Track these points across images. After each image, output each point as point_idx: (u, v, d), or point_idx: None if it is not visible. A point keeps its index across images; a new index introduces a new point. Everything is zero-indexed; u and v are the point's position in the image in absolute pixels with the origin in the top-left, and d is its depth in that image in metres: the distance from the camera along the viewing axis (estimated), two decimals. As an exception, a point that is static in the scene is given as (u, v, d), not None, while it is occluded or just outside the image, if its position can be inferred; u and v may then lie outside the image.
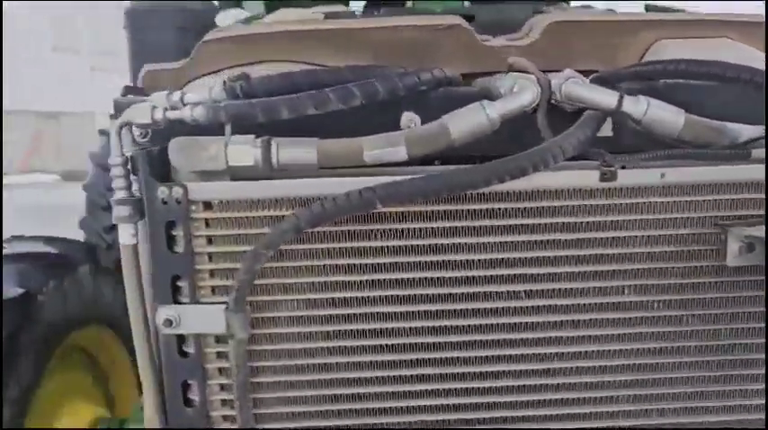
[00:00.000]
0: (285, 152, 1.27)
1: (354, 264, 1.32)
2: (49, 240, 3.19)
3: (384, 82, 1.32)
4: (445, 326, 1.36)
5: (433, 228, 1.32)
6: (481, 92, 1.41)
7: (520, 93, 1.32)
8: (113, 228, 4.48)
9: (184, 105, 1.30)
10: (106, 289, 2.74)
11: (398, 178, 1.24)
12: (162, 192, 1.27)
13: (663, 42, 1.64)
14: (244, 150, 1.27)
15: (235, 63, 1.62)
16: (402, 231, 1.32)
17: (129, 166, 1.30)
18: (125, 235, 1.31)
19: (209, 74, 1.63)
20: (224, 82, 1.32)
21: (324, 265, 1.31)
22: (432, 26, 1.62)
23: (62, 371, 2.50)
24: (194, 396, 1.35)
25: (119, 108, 1.36)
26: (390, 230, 1.31)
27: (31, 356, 2.25)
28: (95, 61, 14.98)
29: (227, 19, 2.92)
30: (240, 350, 1.30)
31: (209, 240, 1.30)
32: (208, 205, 1.29)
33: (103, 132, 4.66)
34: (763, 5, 1.78)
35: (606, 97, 1.31)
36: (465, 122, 1.29)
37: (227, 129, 1.28)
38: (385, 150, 1.28)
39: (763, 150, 1.31)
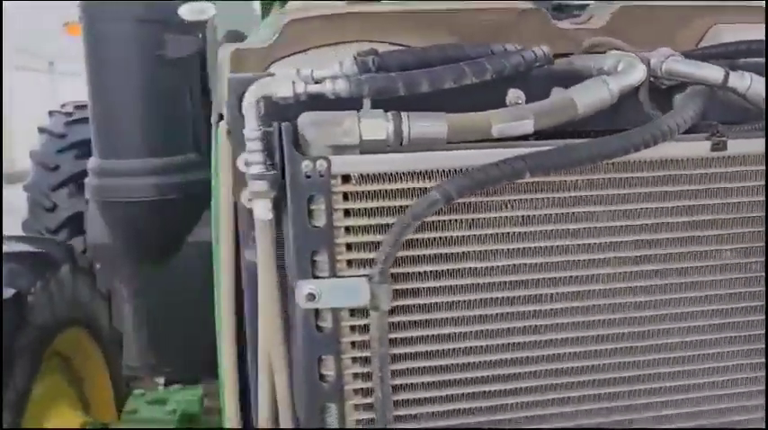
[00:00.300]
0: (417, 126, 1.29)
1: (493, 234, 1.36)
2: (27, 239, 3.04)
3: (509, 58, 1.37)
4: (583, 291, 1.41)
5: (562, 198, 1.37)
6: (582, 70, 1.47)
7: (630, 70, 1.40)
8: (58, 230, 4.25)
9: (314, 80, 1.31)
10: (84, 289, 2.66)
11: (543, 149, 1.29)
12: (306, 165, 1.27)
13: (720, 27, 1.76)
14: (377, 124, 1.28)
15: (322, 42, 1.62)
16: (530, 201, 1.36)
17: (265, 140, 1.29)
18: (261, 210, 1.29)
19: (298, 53, 1.62)
20: (354, 56, 1.33)
21: (464, 236, 1.34)
22: (513, 9, 1.68)
23: (49, 375, 2.41)
24: (327, 371, 1.35)
25: (236, 85, 1.35)
26: (521, 200, 1.36)
27: (25, 359, 2.17)
28: (8, 58, 14.16)
29: (192, 12, 2.86)
30: (383, 322, 1.30)
31: (347, 213, 1.31)
32: (346, 178, 1.30)
33: (43, 130, 4.44)
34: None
35: (713, 73, 1.40)
36: (590, 96, 1.35)
37: (367, 102, 1.29)
38: (512, 124, 1.33)
39: None
